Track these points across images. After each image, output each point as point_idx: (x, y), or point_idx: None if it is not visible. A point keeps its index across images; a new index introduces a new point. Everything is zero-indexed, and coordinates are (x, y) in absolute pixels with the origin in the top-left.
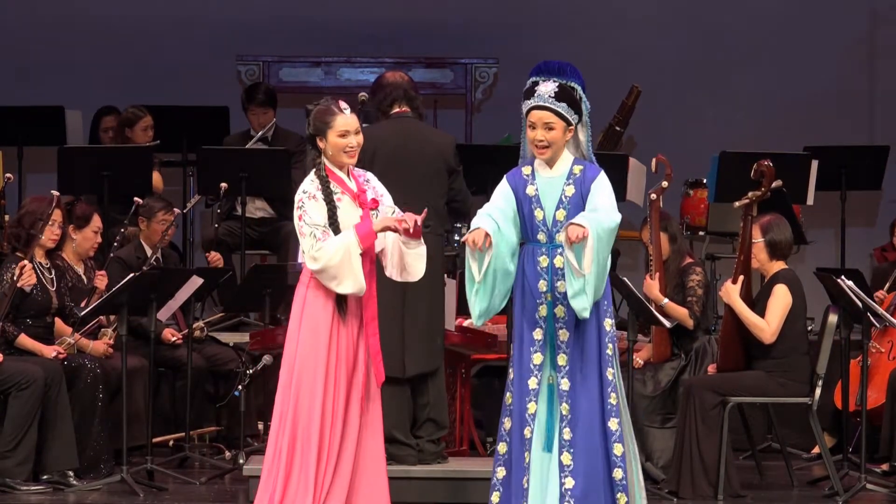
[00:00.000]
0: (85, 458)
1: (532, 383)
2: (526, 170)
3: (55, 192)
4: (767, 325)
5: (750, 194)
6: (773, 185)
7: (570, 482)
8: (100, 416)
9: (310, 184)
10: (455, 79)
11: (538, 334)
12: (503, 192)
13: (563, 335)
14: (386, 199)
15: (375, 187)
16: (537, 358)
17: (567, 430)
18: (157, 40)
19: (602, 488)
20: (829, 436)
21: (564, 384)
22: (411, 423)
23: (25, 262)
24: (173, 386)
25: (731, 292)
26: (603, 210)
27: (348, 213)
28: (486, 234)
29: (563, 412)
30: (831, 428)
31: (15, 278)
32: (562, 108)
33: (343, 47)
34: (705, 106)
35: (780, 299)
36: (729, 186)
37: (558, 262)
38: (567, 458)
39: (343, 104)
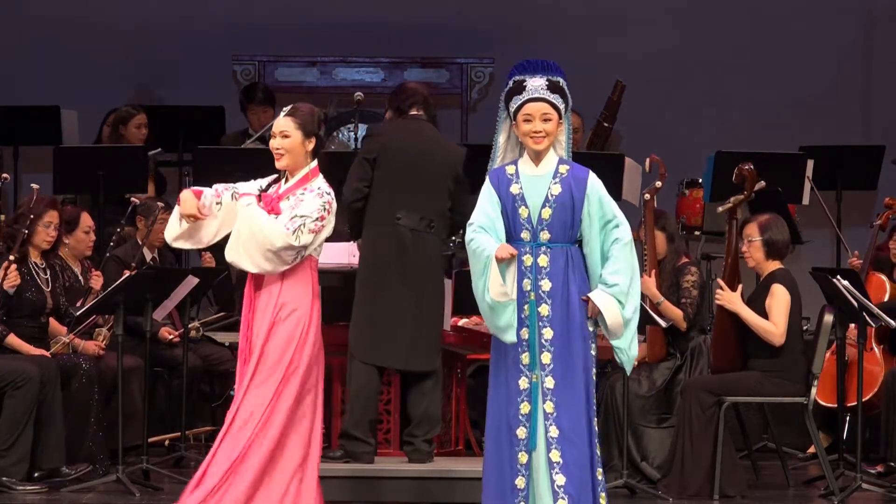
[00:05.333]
0: (80, 457)
1: (523, 383)
2: (510, 169)
3: (35, 186)
4: (776, 328)
5: (732, 199)
6: (756, 187)
7: (561, 479)
8: (95, 415)
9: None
10: (451, 79)
11: (524, 334)
12: (489, 196)
13: (548, 333)
14: (301, 209)
15: (305, 204)
16: (525, 358)
17: (553, 427)
18: (152, 40)
19: (589, 487)
20: (825, 435)
21: (549, 382)
22: (407, 422)
23: (10, 262)
24: (169, 386)
25: (734, 301)
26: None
27: None
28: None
29: (548, 410)
30: (827, 427)
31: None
32: (556, 99)
33: (338, 47)
34: (701, 105)
35: (781, 299)
36: (724, 186)
37: (542, 261)
38: (556, 455)
39: (288, 107)
